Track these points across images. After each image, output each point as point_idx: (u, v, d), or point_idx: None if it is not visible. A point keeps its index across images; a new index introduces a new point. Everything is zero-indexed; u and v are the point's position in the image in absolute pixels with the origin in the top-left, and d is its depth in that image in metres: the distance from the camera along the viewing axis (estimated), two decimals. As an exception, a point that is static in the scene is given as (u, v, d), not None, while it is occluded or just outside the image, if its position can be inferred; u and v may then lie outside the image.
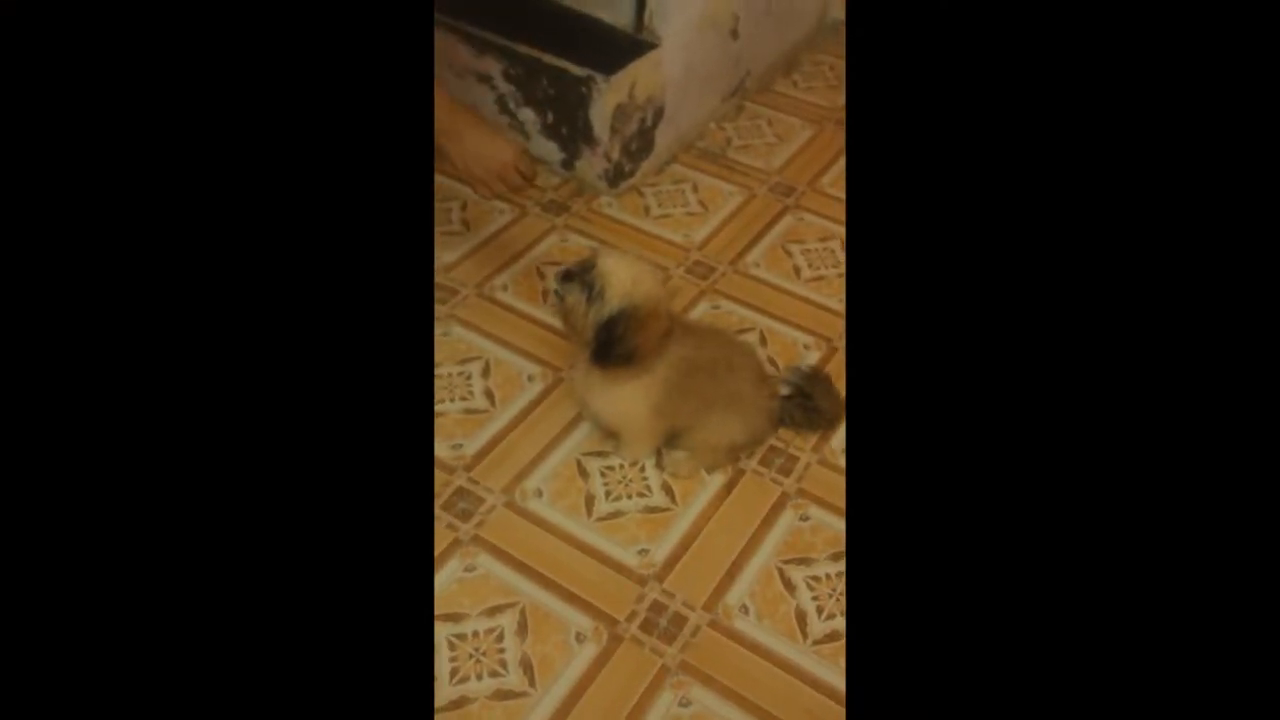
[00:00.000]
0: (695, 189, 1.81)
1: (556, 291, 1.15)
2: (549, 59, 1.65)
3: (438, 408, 1.35)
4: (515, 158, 1.27)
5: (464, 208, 1.72)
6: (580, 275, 1.12)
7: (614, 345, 1.11)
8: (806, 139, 1.96)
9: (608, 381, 1.19)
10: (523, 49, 1.67)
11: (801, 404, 1.32)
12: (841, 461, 1.31)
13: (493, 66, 1.73)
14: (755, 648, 1.10)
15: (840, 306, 1.56)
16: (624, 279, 1.11)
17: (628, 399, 1.20)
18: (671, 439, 1.28)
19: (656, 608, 1.13)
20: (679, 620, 1.12)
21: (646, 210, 1.75)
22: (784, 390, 1.33)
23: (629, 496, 1.25)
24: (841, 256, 1.66)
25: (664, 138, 1.82)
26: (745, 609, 1.13)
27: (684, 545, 1.20)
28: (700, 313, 1.54)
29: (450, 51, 1.76)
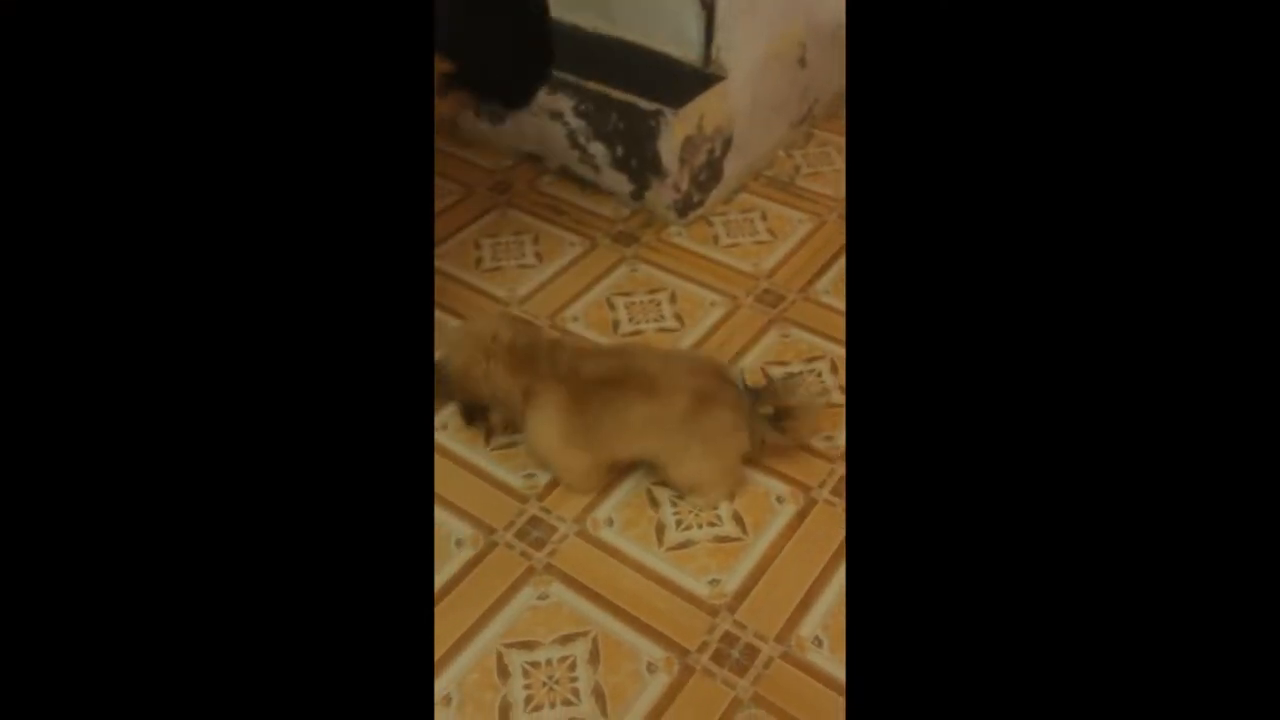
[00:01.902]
0: (764, 217, 1.81)
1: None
2: (618, 94, 1.68)
3: (511, 438, 1.37)
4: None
5: (536, 240, 1.76)
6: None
7: (461, 407, 1.25)
8: (876, 165, 1.95)
9: (521, 417, 1.24)
10: (592, 85, 1.71)
11: (776, 420, 1.27)
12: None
13: (564, 103, 1.77)
14: (829, 681, 1.08)
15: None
16: (442, 344, 1.21)
17: (534, 430, 1.24)
18: (667, 483, 1.28)
19: (728, 639, 1.13)
20: (751, 652, 1.11)
21: (715, 239, 1.76)
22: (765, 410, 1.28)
23: (699, 526, 1.25)
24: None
25: (732, 167, 1.84)
26: (819, 641, 1.12)
27: (755, 576, 1.19)
28: (770, 341, 1.53)
29: (523, 90, 1.81)
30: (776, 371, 1.47)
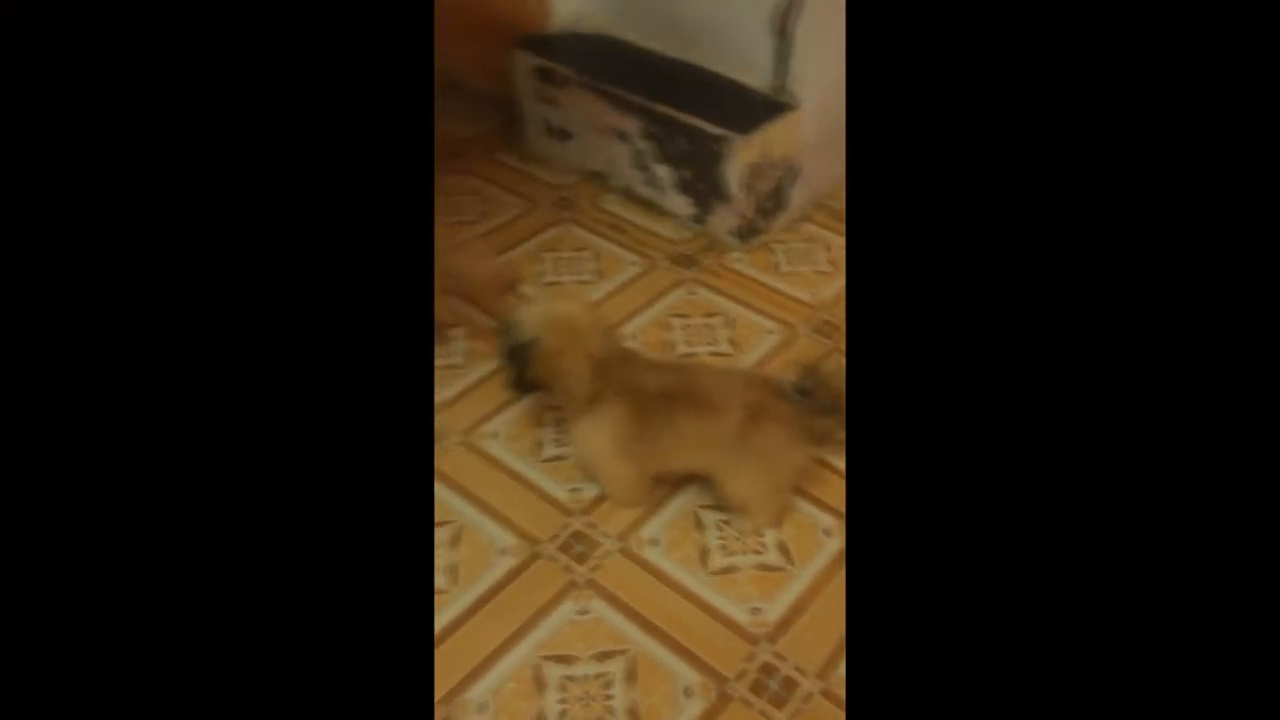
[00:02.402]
0: (827, 248, 1.80)
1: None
2: (686, 118, 1.69)
3: (560, 451, 1.38)
4: (497, 273, 1.45)
5: (596, 257, 1.77)
6: (507, 321, 1.21)
7: (523, 376, 1.18)
8: (942, 202, 1.93)
9: (573, 421, 1.24)
10: (662, 108, 1.72)
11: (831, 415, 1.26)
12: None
13: (632, 124, 1.79)
14: (869, 721, 1.05)
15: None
16: (540, 317, 1.17)
17: (588, 437, 1.23)
18: (717, 500, 1.26)
19: (767, 669, 1.11)
20: (790, 685, 1.09)
21: (776, 267, 1.76)
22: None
23: (744, 553, 1.24)
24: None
25: (798, 197, 1.83)
26: (860, 680, 1.09)
27: (798, 608, 1.17)
28: (825, 372, 1.52)
29: (593, 109, 1.84)
30: (828, 365, 1.44)
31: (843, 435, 1.29)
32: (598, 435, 1.22)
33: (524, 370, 1.17)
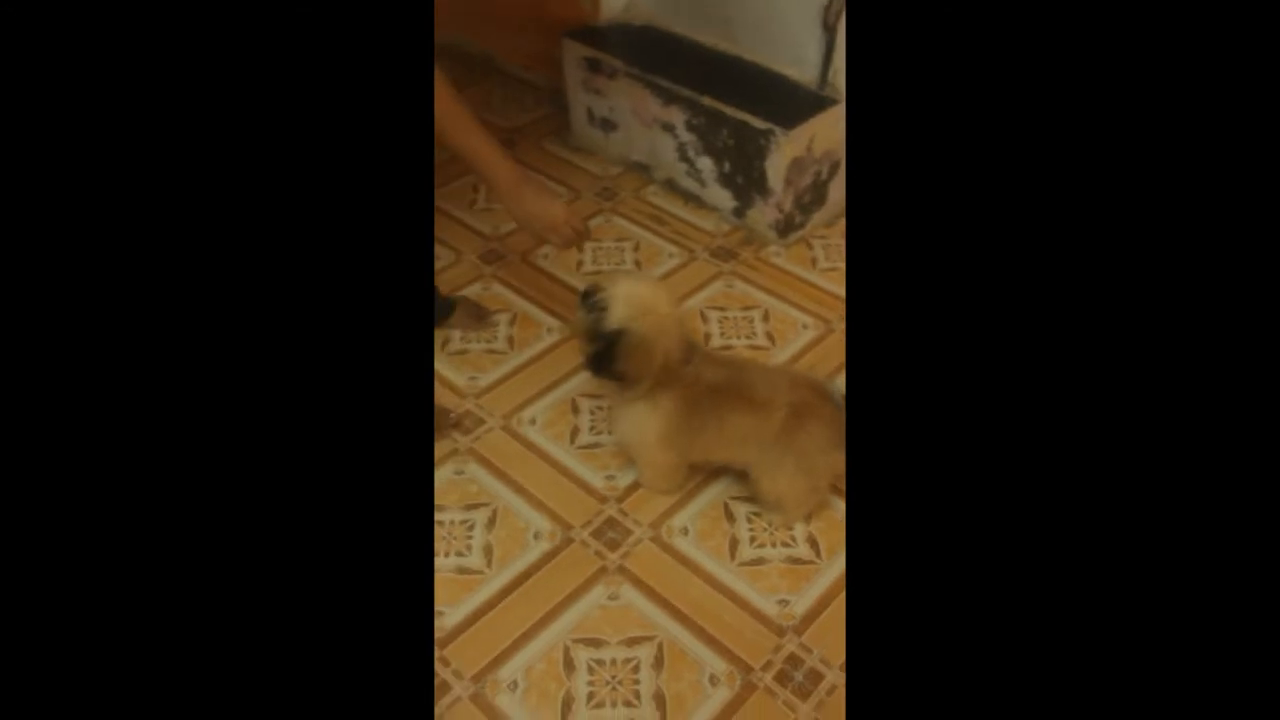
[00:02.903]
0: (866, 244, 1.80)
1: (579, 307, 1.21)
2: (731, 111, 1.70)
3: (595, 439, 1.40)
4: (567, 216, 1.41)
5: (636, 248, 1.79)
6: (592, 296, 1.17)
7: (606, 363, 1.16)
8: (987, 200, 1.92)
9: (624, 403, 1.24)
10: (707, 100, 1.73)
11: None
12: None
13: (677, 116, 1.80)
14: (891, 716, 1.07)
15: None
16: (631, 302, 1.14)
17: (637, 422, 1.24)
18: (751, 494, 1.28)
19: (793, 660, 1.13)
20: (815, 676, 1.11)
21: (814, 262, 1.76)
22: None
23: (773, 545, 1.26)
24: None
25: (838, 192, 1.83)
26: (884, 675, 1.11)
27: (825, 601, 1.19)
28: (861, 369, 1.53)
29: (639, 100, 1.85)
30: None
31: None
32: (649, 422, 1.23)
33: (611, 360, 1.15)
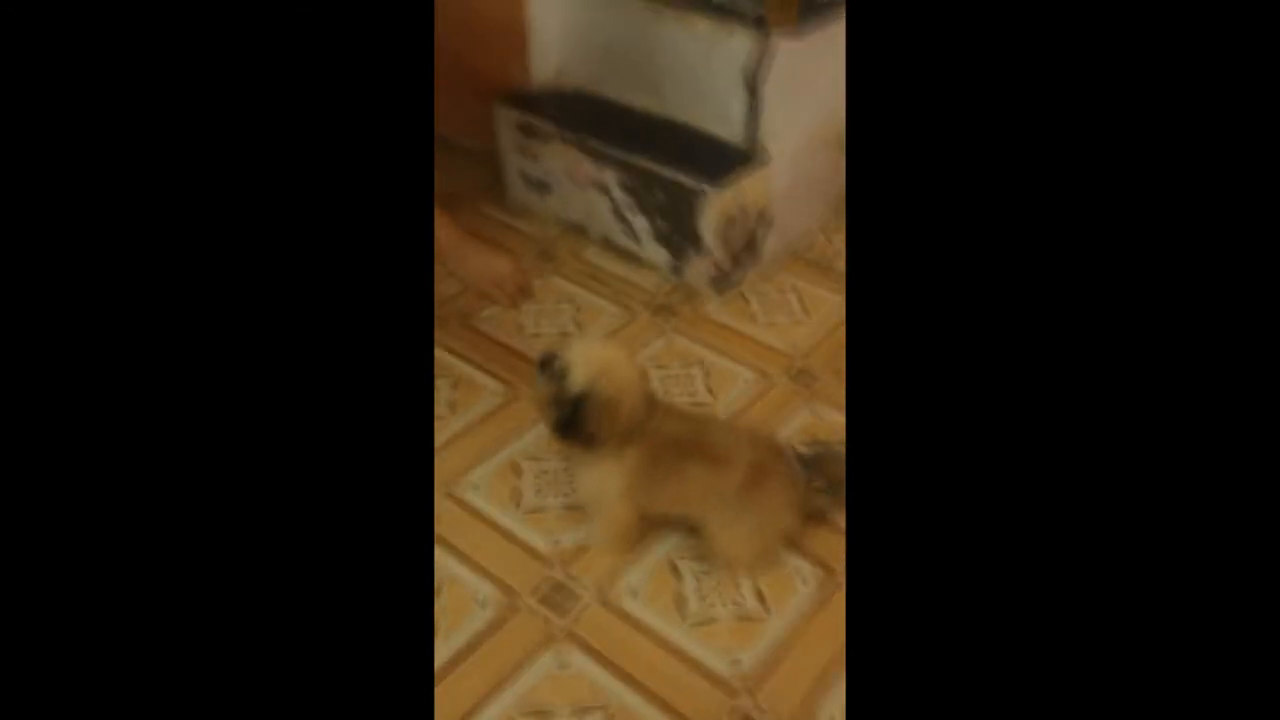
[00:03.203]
0: (799, 297, 1.84)
1: (537, 375, 1.19)
2: (663, 170, 1.74)
3: (539, 502, 1.39)
4: (512, 272, 1.43)
5: (577, 309, 1.80)
6: (551, 363, 1.17)
7: (574, 427, 1.15)
8: (915, 249, 1.97)
9: (586, 462, 1.23)
10: (639, 161, 1.76)
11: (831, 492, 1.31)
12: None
13: (610, 177, 1.83)
14: (846, 771, 1.06)
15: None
16: (591, 364, 1.14)
17: (601, 479, 1.23)
18: (702, 552, 1.29)
19: (746, 720, 1.11)
20: (768, 735, 1.10)
21: (752, 316, 1.79)
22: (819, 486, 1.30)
23: (723, 604, 1.25)
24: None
25: (771, 246, 1.87)
26: (837, 728, 1.10)
27: (777, 655, 1.19)
28: (801, 420, 1.54)
29: (572, 162, 1.88)
30: (838, 447, 1.47)
31: (836, 516, 1.34)
32: (612, 479, 1.21)
33: (579, 423, 1.15)
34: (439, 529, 1.34)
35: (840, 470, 1.29)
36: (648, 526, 1.32)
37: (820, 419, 1.54)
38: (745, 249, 1.82)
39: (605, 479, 1.23)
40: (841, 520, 1.34)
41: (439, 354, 1.68)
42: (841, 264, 1.93)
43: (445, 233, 1.32)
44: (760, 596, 1.26)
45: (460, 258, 1.35)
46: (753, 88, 1.71)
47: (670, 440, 1.21)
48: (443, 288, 1.81)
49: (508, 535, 1.34)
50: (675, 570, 1.29)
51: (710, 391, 1.60)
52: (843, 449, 1.37)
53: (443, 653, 1.18)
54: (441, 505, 1.38)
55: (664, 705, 1.13)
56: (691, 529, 1.30)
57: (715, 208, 1.69)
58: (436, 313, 1.78)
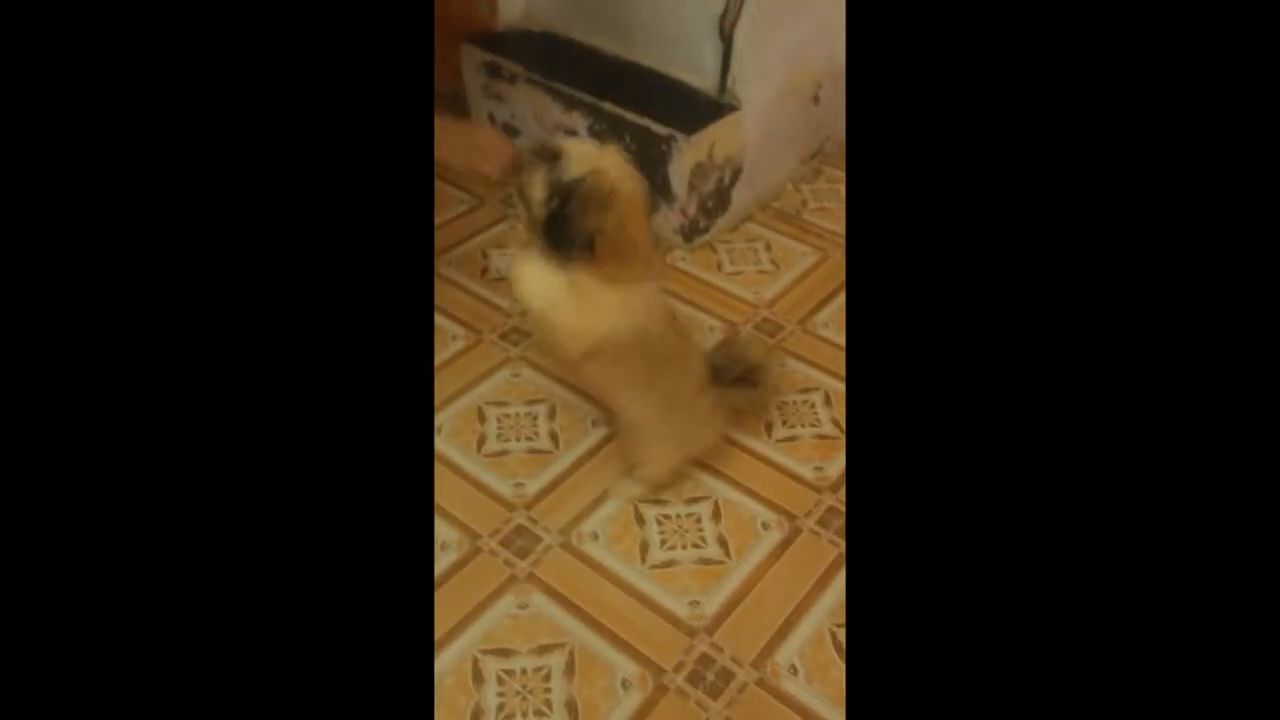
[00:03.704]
0: (768, 248, 1.84)
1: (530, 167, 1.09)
2: (632, 117, 1.71)
3: (504, 446, 1.38)
4: (497, 142, 1.33)
5: (542, 255, 1.78)
6: (547, 149, 1.08)
7: (567, 222, 1.03)
8: (882, 204, 1.97)
9: (594, 286, 1.10)
10: (608, 106, 1.73)
11: (744, 388, 1.36)
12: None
13: (579, 122, 1.80)
14: (803, 711, 1.08)
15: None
16: (588, 159, 1.06)
17: (600, 303, 1.11)
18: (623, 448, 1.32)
19: (704, 660, 1.13)
20: (726, 675, 1.11)
21: (719, 266, 1.78)
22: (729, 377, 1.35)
23: (684, 547, 1.26)
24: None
25: (740, 197, 1.86)
26: (794, 669, 1.12)
27: (736, 600, 1.20)
28: (766, 369, 1.55)
29: (540, 107, 1.84)
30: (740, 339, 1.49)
31: (760, 410, 1.42)
32: (618, 308, 1.11)
33: (573, 217, 1.03)
34: (400, 472, 1.33)
35: (750, 353, 1.37)
36: (589, 359, 1.19)
37: (785, 369, 1.55)
38: (714, 199, 1.80)
39: (607, 306, 1.11)
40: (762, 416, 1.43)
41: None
42: (810, 215, 1.93)
43: None
44: (722, 541, 1.27)
45: (438, 138, 1.26)
46: (725, 35, 1.68)
47: (668, 318, 1.21)
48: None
49: (471, 479, 1.34)
50: (638, 515, 1.30)
51: (676, 340, 1.60)
52: (742, 338, 1.42)
53: (403, 593, 1.18)
54: (403, 448, 1.37)
55: (623, 644, 1.14)
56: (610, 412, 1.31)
57: (686, 156, 1.67)
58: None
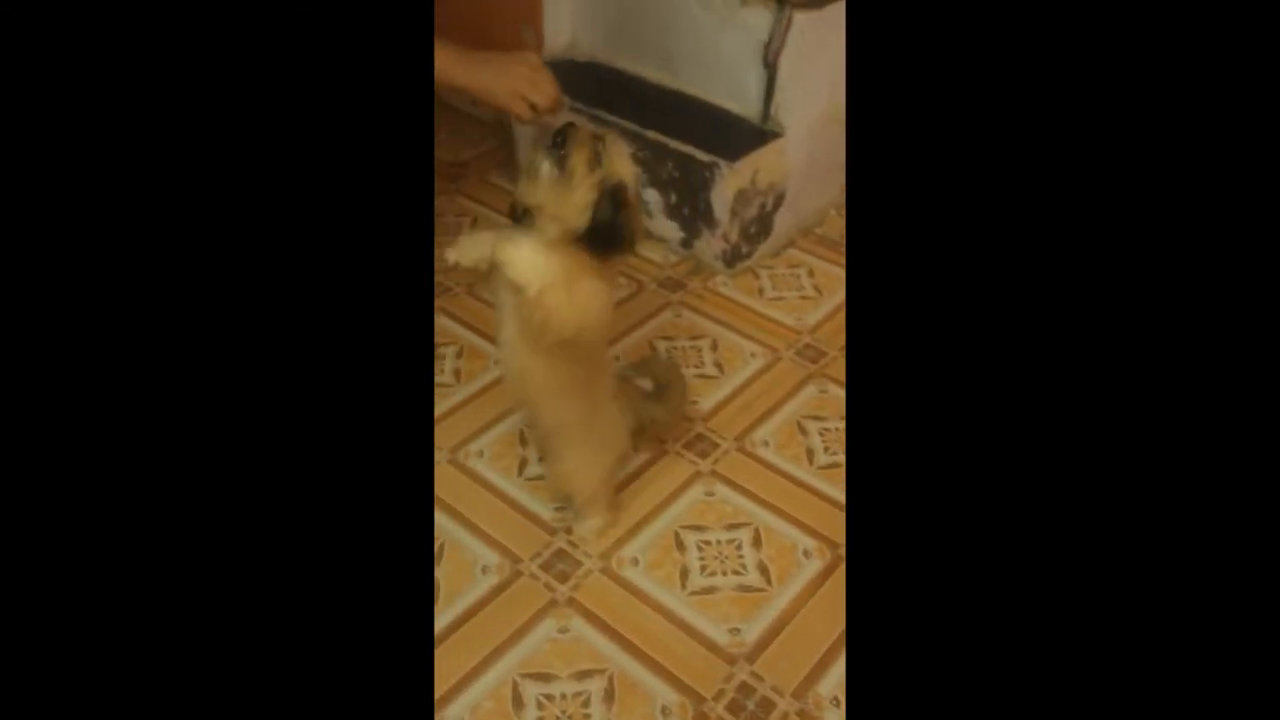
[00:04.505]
0: (811, 274, 1.83)
1: (549, 151, 1.05)
2: (676, 144, 1.73)
3: (542, 469, 1.39)
4: (533, 75, 1.26)
5: (585, 280, 1.79)
6: (573, 140, 1.04)
7: (618, 227, 1.03)
8: (927, 230, 1.96)
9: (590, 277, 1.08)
10: (651, 134, 1.75)
11: (652, 404, 1.37)
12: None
13: (622, 149, 1.82)
14: (844, 742, 1.07)
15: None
16: (625, 159, 1.05)
17: (591, 289, 1.08)
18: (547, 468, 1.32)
19: (744, 689, 1.12)
20: (767, 705, 1.10)
21: (761, 291, 1.78)
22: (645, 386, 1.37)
23: (724, 574, 1.25)
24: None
25: (783, 223, 1.86)
26: (836, 701, 1.11)
27: (777, 628, 1.19)
28: (807, 395, 1.54)
29: (583, 134, 1.87)
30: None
31: (663, 429, 1.43)
32: (600, 294, 1.10)
33: (620, 220, 1.03)
34: (444, 495, 1.35)
35: (663, 372, 1.38)
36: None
37: (827, 395, 1.54)
38: (757, 224, 1.81)
39: (576, 274, 1.06)
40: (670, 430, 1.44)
41: (445, 322, 1.68)
42: (852, 243, 1.92)
43: (443, 55, 1.14)
44: (763, 569, 1.26)
45: (468, 72, 1.18)
46: (769, 63, 1.69)
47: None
48: (441, 202, 1.79)
49: (511, 502, 1.35)
50: (679, 541, 1.29)
51: (718, 365, 1.60)
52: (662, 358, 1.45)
53: (446, 617, 1.19)
54: (446, 472, 1.39)
55: (663, 671, 1.13)
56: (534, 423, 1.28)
57: (729, 183, 1.68)
58: (442, 281, 1.77)
